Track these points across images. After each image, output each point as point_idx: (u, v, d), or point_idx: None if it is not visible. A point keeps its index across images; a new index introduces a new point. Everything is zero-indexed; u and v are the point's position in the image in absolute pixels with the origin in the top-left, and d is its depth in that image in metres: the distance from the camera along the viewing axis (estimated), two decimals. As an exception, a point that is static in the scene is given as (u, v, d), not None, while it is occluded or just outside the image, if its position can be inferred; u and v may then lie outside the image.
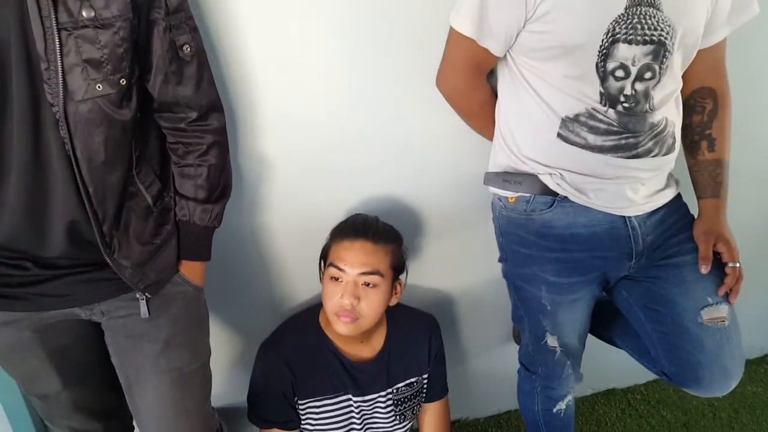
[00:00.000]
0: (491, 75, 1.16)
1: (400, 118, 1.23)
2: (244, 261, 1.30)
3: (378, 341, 1.29)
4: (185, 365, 1.00)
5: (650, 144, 1.04)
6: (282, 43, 1.10)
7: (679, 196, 1.16)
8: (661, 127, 1.04)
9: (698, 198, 1.16)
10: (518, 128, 1.10)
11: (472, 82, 1.13)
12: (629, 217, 1.09)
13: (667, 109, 1.05)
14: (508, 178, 1.14)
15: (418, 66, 1.16)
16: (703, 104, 1.13)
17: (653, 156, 1.05)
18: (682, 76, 1.09)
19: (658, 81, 1.00)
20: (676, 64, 1.02)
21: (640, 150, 1.03)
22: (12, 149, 0.80)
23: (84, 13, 0.75)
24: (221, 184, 1.01)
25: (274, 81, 1.13)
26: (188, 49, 0.88)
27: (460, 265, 1.47)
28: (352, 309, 1.14)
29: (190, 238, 1.00)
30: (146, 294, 0.95)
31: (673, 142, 1.07)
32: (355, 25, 1.12)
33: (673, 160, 1.10)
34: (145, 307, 0.95)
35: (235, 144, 1.16)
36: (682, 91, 1.12)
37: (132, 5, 0.79)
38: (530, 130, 1.08)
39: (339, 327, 1.16)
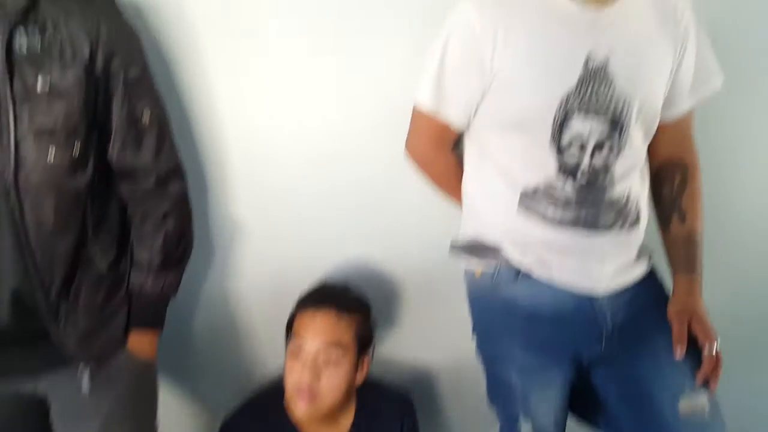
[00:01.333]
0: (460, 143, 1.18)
1: (375, 183, 1.24)
2: (211, 328, 1.29)
3: (345, 423, 1.22)
4: None
5: (612, 218, 1.01)
6: (254, 106, 1.14)
7: (653, 272, 1.12)
8: (623, 201, 1.02)
9: (672, 274, 1.11)
10: (481, 199, 1.10)
11: (438, 151, 1.14)
12: (596, 296, 1.05)
13: (630, 182, 1.03)
14: (473, 249, 1.12)
15: (391, 130, 1.18)
16: (672, 176, 1.11)
17: (617, 231, 1.02)
18: (650, 149, 1.09)
19: (618, 154, 0.99)
20: (637, 137, 1.01)
21: (600, 224, 1.01)
22: None
23: (39, 84, 0.79)
24: (179, 251, 1.02)
25: (246, 143, 1.16)
26: (147, 117, 0.91)
27: (438, 338, 1.42)
28: (311, 387, 1.09)
29: (141, 306, 0.99)
30: (89, 367, 0.92)
31: (638, 216, 1.04)
32: (329, 87, 1.15)
33: (640, 235, 1.06)
34: (87, 381, 0.92)
35: (206, 207, 1.18)
36: (650, 164, 1.11)
37: (89, 76, 0.83)
38: (492, 200, 1.07)
39: (296, 407, 1.10)
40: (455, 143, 1.16)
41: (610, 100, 0.96)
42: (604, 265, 1.04)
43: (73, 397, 0.93)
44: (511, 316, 1.08)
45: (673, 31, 1.00)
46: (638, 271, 1.08)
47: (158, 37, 1.04)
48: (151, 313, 1.01)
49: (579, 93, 0.95)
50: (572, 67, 0.95)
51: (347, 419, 1.22)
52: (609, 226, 1.01)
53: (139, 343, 0.99)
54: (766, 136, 1.34)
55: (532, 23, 0.95)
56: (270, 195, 1.20)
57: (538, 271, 1.04)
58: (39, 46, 0.79)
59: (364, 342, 1.17)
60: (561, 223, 1.01)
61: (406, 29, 1.13)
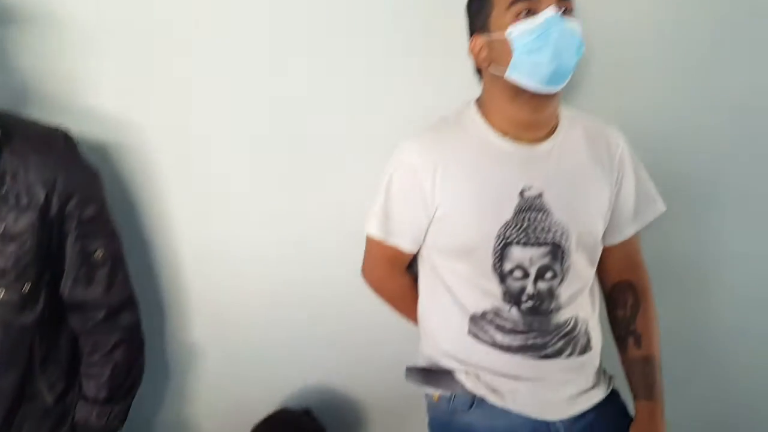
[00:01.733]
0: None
1: (334, 307, 1.25)
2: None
3: None
4: None
5: (560, 344, 1.02)
6: (212, 231, 1.18)
7: (613, 396, 1.10)
8: (570, 326, 1.03)
9: (633, 399, 1.09)
10: (435, 322, 1.11)
11: (392, 274, 1.16)
12: (552, 421, 1.03)
13: (578, 306, 1.04)
14: (428, 375, 1.11)
15: (348, 254, 1.20)
16: (625, 299, 1.13)
17: (566, 357, 1.02)
18: (601, 271, 1.12)
19: (562, 280, 1.02)
20: (580, 262, 1.04)
21: (549, 350, 1.01)
22: None
23: None
24: (127, 383, 1.02)
25: (203, 269, 1.19)
26: (100, 254, 0.95)
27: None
28: None
29: None
30: None
31: (588, 341, 1.05)
32: (287, 212, 1.20)
33: (593, 360, 1.06)
34: None
35: (162, 333, 1.19)
36: (603, 286, 1.14)
37: (43, 220, 0.88)
38: (445, 325, 1.08)
39: None
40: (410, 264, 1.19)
41: (548, 231, 1.00)
42: (557, 392, 1.03)
43: None
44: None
45: (607, 164, 1.06)
46: (596, 397, 1.06)
47: (118, 170, 1.11)
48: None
49: (516, 224, 0.99)
50: (507, 200, 0.99)
51: None
52: (558, 353, 1.01)
53: None
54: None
55: (469, 161, 1.01)
56: (228, 320, 1.22)
57: (492, 398, 1.03)
58: None
59: None
60: (509, 349, 1.01)
61: (362, 167, 1.19)
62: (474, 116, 1.05)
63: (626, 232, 1.10)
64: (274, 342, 1.25)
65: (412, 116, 1.14)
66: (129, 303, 1.02)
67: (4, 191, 0.85)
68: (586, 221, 1.03)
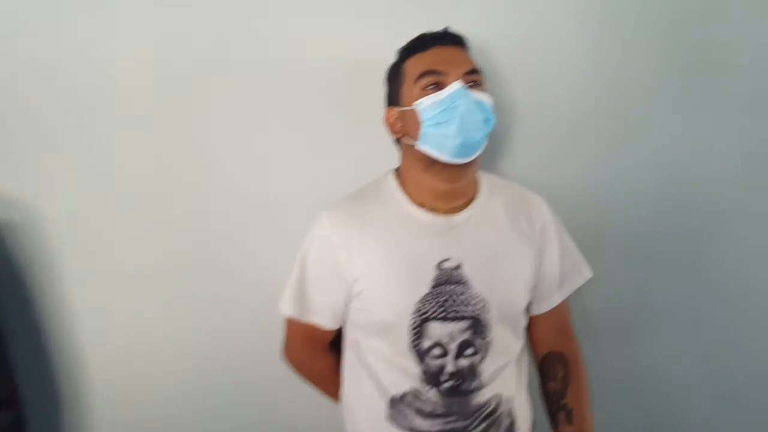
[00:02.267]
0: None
1: (245, 404, 1.17)
2: None
3: None
4: None
5: (482, 426, 0.96)
6: (116, 325, 1.10)
7: None
8: (492, 406, 0.97)
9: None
10: (355, 405, 1.04)
11: (313, 353, 1.10)
12: None
13: (501, 384, 0.99)
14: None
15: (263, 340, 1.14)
16: (555, 371, 1.08)
17: (490, 441, 0.96)
18: (531, 342, 1.09)
19: (484, 356, 0.97)
20: (504, 336, 0.99)
21: (471, 432, 0.95)
22: None
23: None
24: None
25: (104, 366, 1.10)
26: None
27: None
28: None
29: None
30: None
31: (512, 423, 0.99)
32: (195, 310, 1.13)
33: None
34: None
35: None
36: (534, 357, 1.10)
37: None
38: (364, 408, 1.01)
39: None
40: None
41: (467, 304, 0.96)
42: None
43: None
44: None
45: (528, 233, 1.03)
46: None
47: (18, 259, 1.03)
48: None
49: (434, 298, 0.95)
50: (425, 273, 0.95)
51: None
52: (480, 437, 0.95)
53: None
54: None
55: (386, 234, 0.97)
56: (130, 418, 1.11)
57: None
58: None
59: None
60: (427, 434, 0.94)
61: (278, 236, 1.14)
62: (392, 186, 1.02)
63: (552, 300, 1.08)
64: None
65: (333, 182, 1.12)
66: (4, 403, 0.91)
67: None
68: (506, 292, 0.99)
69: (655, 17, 1.24)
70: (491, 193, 1.05)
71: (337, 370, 1.11)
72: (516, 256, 1.01)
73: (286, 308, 1.02)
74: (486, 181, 1.07)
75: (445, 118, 0.92)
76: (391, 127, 1.01)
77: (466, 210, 1.01)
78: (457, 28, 1.12)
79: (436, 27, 1.10)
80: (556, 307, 1.08)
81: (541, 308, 1.08)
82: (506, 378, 1.01)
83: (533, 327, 1.10)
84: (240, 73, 1.11)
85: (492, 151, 1.23)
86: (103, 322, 1.09)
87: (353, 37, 1.13)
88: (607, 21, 1.23)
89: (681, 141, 1.29)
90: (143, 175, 1.08)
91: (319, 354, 1.10)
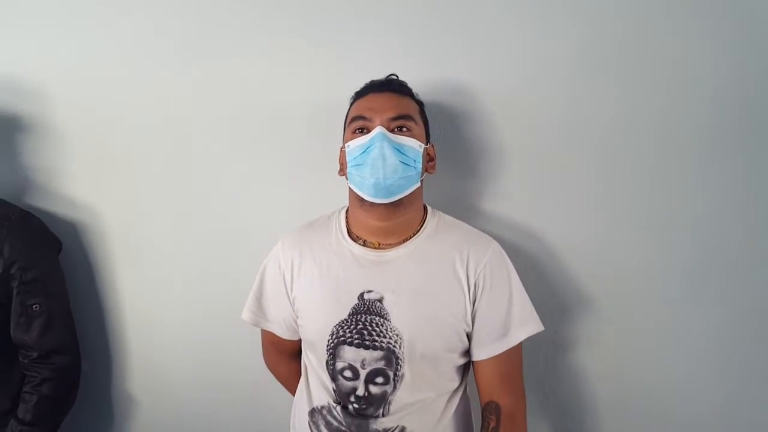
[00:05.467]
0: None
1: (258, 373, 1.35)
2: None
3: None
4: None
5: (380, 455, 1.01)
6: (149, 298, 1.41)
7: None
8: (391, 434, 1.02)
9: None
10: (296, 404, 1.16)
11: (280, 358, 1.24)
12: None
13: (410, 418, 1.02)
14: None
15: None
16: (488, 421, 1.06)
17: (384, 470, 1.01)
18: (477, 388, 1.09)
19: (396, 387, 1.02)
20: (421, 373, 1.02)
21: (366, 460, 1.01)
22: None
23: None
24: (50, 414, 1.26)
25: (141, 329, 1.42)
26: (37, 308, 1.23)
27: None
28: None
29: None
30: None
31: None
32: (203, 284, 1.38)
33: None
34: None
35: (108, 384, 1.43)
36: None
37: None
38: (298, 412, 1.14)
39: None
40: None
41: (383, 335, 1.02)
42: None
43: None
44: None
45: (463, 277, 1.04)
46: None
47: (82, 243, 1.42)
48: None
49: (351, 325, 1.03)
50: (347, 301, 1.04)
51: None
52: (376, 465, 1.01)
53: None
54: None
55: (321, 259, 1.09)
56: (161, 377, 1.42)
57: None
58: None
59: None
60: (330, 449, 1.04)
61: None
62: (340, 219, 1.13)
63: (491, 348, 1.05)
64: (199, 401, 1.41)
65: (292, 212, 1.27)
66: (60, 349, 1.27)
67: None
68: (425, 331, 1.02)
69: (645, 57, 1.14)
70: (433, 234, 1.08)
71: (299, 376, 1.25)
72: (443, 297, 1.03)
73: (245, 315, 1.19)
74: (434, 221, 1.10)
75: (361, 160, 1.00)
76: (340, 164, 1.12)
77: (398, 247, 1.06)
78: (445, 70, 1.20)
79: (418, 70, 1.19)
80: (500, 356, 1.05)
81: (480, 355, 1.06)
82: (420, 413, 1.03)
83: (476, 372, 1.09)
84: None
85: (479, 191, 1.26)
86: (142, 295, 1.42)
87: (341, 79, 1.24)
88: (600, 63, 1.16)
89: (679, 191, 1.17)
90: (176, 190, 1.38)
91: (284, 359, 1.24)
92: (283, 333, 1.17)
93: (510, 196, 1.25)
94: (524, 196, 1.24)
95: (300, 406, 1.14)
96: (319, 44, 1.26)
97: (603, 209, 1.21)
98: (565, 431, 1.30)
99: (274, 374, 1.29)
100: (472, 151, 1.25)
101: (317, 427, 1.07)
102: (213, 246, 1.37)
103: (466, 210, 1.27)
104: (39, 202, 1.41)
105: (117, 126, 1.37)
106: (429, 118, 1.14)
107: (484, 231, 1.14)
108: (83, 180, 1.41)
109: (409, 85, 1.12)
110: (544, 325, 1.09)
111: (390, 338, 1.02)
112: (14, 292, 1.22)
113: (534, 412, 1.29)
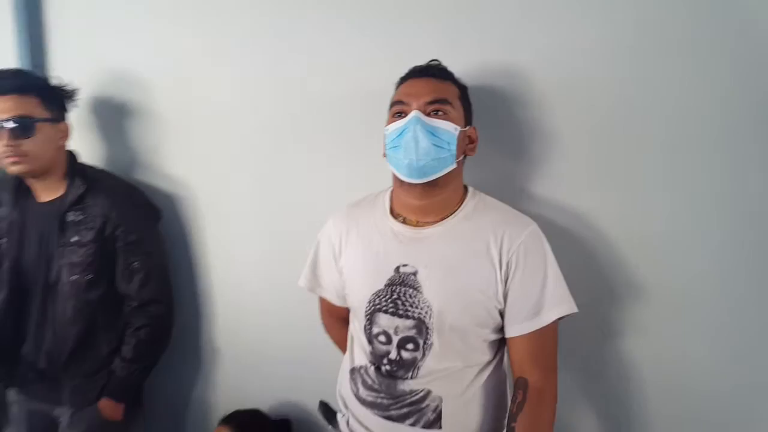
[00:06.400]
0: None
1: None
2: (194, 421, 1.70)
3: None
4: None
5: (405, 411, 1.09)
6: (235, 255, 1.60)
7: None
8: (418, 397, 1.09)
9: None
10: (343, 365, 1.28)
11: (332, 322, 1.38)
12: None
13: (437, 383, 1.09)
14: (326, 411, 1.29)
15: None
16: (516, 395, 1.11)
17: (410, 425, 1.09)
18: (510, 363, 1.13)
19: (425, 355, 1.10)
20: (449, 343, 1.09)
21: (393, 413, 1.10)
22: (32, 306, 1.48)
23: (72, 239, 1.43)
24: (147, 354, 1.50)
25: (227, 288, 1.62)
26: (137, 265, 1.47)
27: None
28: None
29: (112, 383, 1.49)
30: (72, 410, 1.45)
31: (437, 419, 1.08)
32: (284, 250, 1.54)
33: None
34: (68, 417, 1.46)
35: (197, 335, 1.66)
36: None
37: (100, 237, 1.43)
38: (342, 370, 1.26)
39: None
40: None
41: (415, 306, 1.10)
42: None
43: (64, 423, 1.49)
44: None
45: (495, 257, 1.08)
46: None
47: (179, 211, 1.64)
48: (117, 390, 1.49)
49: (386, 295, 1.12)
50: (384, 272, 1.13)
51: None
52: (402, 418, 1.10)
53: (105, 407, 1.48)
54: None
55: (365, 234, 1.19)
56: (242, 331, 1.61)
57: (354, 443, 1.17)
58: (78, 219, 1.43)
59: None
60: (364, 402, 1.15)
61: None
62: (385, 198, 1.22)
63: (522, 327, 1.09)
64: (268, 355, 1.59)
65: (345, 191, 1.38)
66: (156, 300, 1.50)
67: (83, 216, 1.43)
68: (454, 305, 1.08)
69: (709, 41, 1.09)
70: (471, 214, 1.13)
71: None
72: (474, 274, 1.08)
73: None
74: (474, 202, 1.15)
75: (397, 143, 1.08)
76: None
77: (435, 225, 1.13)
78: (495, 54, 1.24)
79: (468, 54, 1.24)
80: (532, 335, 1.08)
81: (512, 332, 1.10)
82: (447, 380, 1.10)
83: (509, 348, 1.13)
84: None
85: (530, 173, 1.27)
86: (225, 260, 1.63)
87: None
88: (656, 44, 1.12)
89: (738, 182, 1.11)
90: (252, 169, 1.56)
91: (336, 323, 1.36)
92: (335, 300, 1.29)
93: (560, 178, 1.25)
94: (575, 179, 1.24)
95: (345, 365, 1.25)
96: (369, 34, 1.36)
97: (657, 194, 1.18)
98: (608, 415, 1.29)
99: (329, 336, 1.42)
100: (523, 133, 1.27)
101: (355, 384, 1.18)
102: (282, 220, 1.53)
103: (516, 192, 1.29)
104: (143, 176, 1.67)
105: (204, 114, 1.57)
106: (480, 102, 1.19)
107: (533, 213, 1.17)
108: (179, 159, 1.63)
109: (460, 69, 1.16)
110: (591, 309, 1.12)
111: (421, 309, 1.09)
112: (119, 251, 1.47)
113: (577, 393, 1.30)
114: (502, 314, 1.10)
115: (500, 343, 1.16)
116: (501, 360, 1.17)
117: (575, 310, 1.09)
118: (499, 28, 1.25)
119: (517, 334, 1.09)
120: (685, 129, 1.14)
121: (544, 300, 1.08)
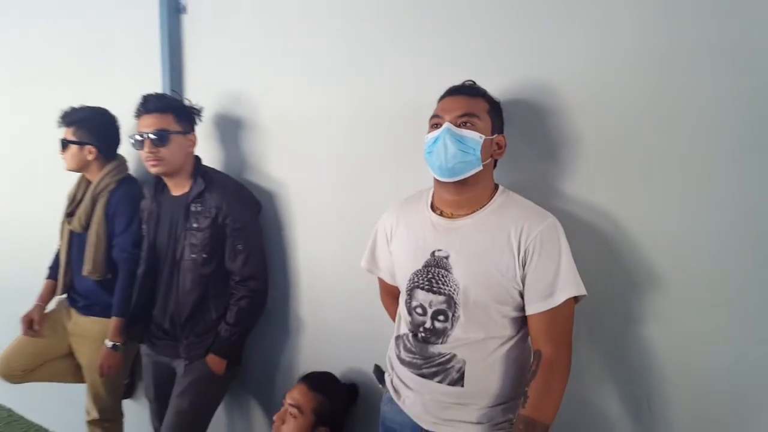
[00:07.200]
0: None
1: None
2: (284, 381, 2.04)
3: None
4: (185, 403, 1.85)
5: (434, 369, 1.32)
6: (316, 243, 1.92)
7: None
8: (445, 359, 1.31)
9: (507, 448, 1.26)
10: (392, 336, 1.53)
11: (387, 298, 1.63)
12: (426, 429, 1.33)
13: (463, 349, 1.30)
14: (378, 373, 1.55)
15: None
16: (532, 364, 1.29)
17: (438, 382, 1.31)
18: (531, 337, 1.33)
19: (453, 324, 1.31)
20: (473, 317, 1.29)
21: (424, 371, 1.33)
22: (161, 279, 1.91)
23: (193, 225, 1.83)
24: (246, 321, 1.87)
25: (309, 266, 1.95)
26: (240, 247, 1.84)
27: None
28: None
29: (217, 342, 1.87)
30: (186, 362, 1.86)
31: (460, 377, 1.29)
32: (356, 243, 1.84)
33: (468, 398, 1.29)
34: (183, 368, 1.86)
35: (286, 309, 2.00)
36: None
37: (214, 224, 1.82)
38: (392, 339, 1.50)
39: None
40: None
41: (446, 284, 1.32)
42: (434, 409, 1.33)
43: (180, 373, 1.89)
44: (382, 426, 1.48)
45: (515, 245, 1.27)
46: (465, 429, 1.31)
47: (276, 205, 2.00)
48: (221, 348, 1.86)
49: (423, 274, 1.36)
50: (422, 255, 1.37)
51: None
52: (431, 376, 1.33)
53: (211, 362, 1.86)
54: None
55: (410, 224, 1.43)
56: (321, 305, 1.93)
57: (395, 398, 1.42)
58: (198, 210, 1.83)
59: (323, 418, 1.70)
60: (403, 362, 1.39)
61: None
62: (428, 195, 1.46)
63: (536, 307, 1.26)
64: (342, 326, 1.88)
65: (401, 188, 1.63)
66: (254, 276, 1.86)
67: (202, 208, 1.83)
68: (478, 284, 1.28)
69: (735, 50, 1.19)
70: (498, 209, 1.33)
71: None
72: (496, 260, 1.28)
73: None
74: (501, 199, 1.35)
75: (431, 149, 1.31)
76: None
77: (466, 218, 1.34)
78: (527, 70, 1.45)
79: (505, 74, 1.46)
80: (546, 313, 1.25)
81: (529, 310, 1.28)
82: (470, 347, 1.30)
83: (528, 325, 1.31)
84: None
85: (558, 174, 1.44)
86: (310, 247, 1.95)
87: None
88: (677, 58, 1.27)
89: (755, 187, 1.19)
90: (332, 170, 1.87)
91: (390, 300, 1.61)
92: (388, 279, 1.54)
93: (585, 178, 1.40)
94: (598, 179, 1.39)
95: (393, 334, 1.50)
96: (420, 61, 1.63)
97: (675, 193, 1.30)
98: (632, 396, 1.40)
99: (387, 311, 1.67)
100: (553, 139, 1.44)
101: (398, 348, 1.43)
102: (356, 213, 1.82)
103: (547, 190, 1.46)
104: (249, 176, 2.05)
105: (297, 125, 1.92)
106: (516, 112, 1.42)
107: (561, 209, 1.37)
108: (277, 163, 2.00)
109: (497, 85, 1.40)
110: (614, 297, 1.31)
111: (450, 287, 1.31)
112: (227, 236, 1.84)
113: (602, 374, 1.44)
114: (522, 295, 1.29)
115: (523, 321, 1.34)
116: (525, 336, 1.35)
117: (584, 292, 1.25)
118: (532, 50, 1.44)
119: (534, 312, 1.27)
120: (702, 133, 1.25)
121: (557, 283, 1.25)
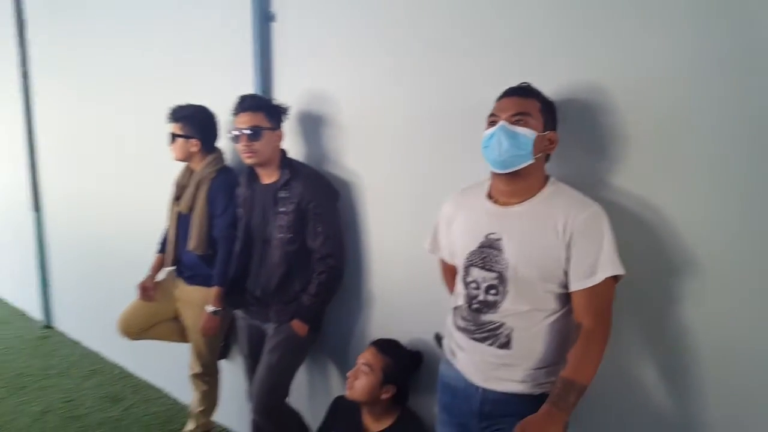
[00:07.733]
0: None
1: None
2: (356, 350, 2.32)
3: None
4: (274, 359, 2.17)
5: (485, 334, 1.53)
6: (383, 235, 2.17)
7: (536, 400, 1.46)
8: (495, 326, 1.51)
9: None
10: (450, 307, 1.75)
11: (446, 274, 1.84)
12: (477, 385, 1.55)
13: (512, 318, 1.49)
14: (438, 339, 1.78)
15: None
16: (574, 335, 1.47)
17: (488, 345, 1.52)
18: (574, 311, 1.51)
19: (503, 298, 1.51)
20: (521, 291, 1.48)
21: (476, 336, 1.54)
22: (254, 254, 2.23)
23: (281, 209, 2.12)
24: (325, 293, 2.16)
25: (380, 256, 2.20)
26: (320, 229, 2.11)
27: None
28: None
29: (299, 310, 2.16)
30: (275, 325, 2.17)
31: (508, 342, 1.49)
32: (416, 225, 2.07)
33: (515, 359, 1.49)
34: (272, 330, 2.18)
35: (359, 284, 2.27)
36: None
37: (298, 209, 2.10)
38: (450, 311, 1.72)
39: None
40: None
41: (498, 263, 1.53)
42: (485, 368, 1.55)
43: (268, 335, 2.22)
44: (440, 383, 1.70)
45: (560, 230, 1.45)
46: (516, 388, 1.51)
47: (352, 194, 2.26)
48: (304, 315, 2.15)
49: (478, 254, 1.57)
50: (477, 238, 1.57)
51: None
52: (483, 340, 1.54)
53: (295, 326, 2.16)
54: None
55: (468, 211, 1.64)
56: (388, 281, 2.18)
57: (451, 359, 1.65)
58: (285, 196, 2.12)
59: (390, 377, 1.95)
60: (459, 328, 1.61)
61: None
62: (486, 184, 1.65)
63: (579, 284, 1.44)
64: (409, 300, 2.13)
65: (460, 179, 1.82)
66: (332, 255, 2.13)
67: (288, 194, 2.12)
68: (526, 264, 1.48)
69: None
70: (547, 199, 1.51)
71: None
72: (542, 242, 1.46)
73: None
74: (551, 189, 1.52)
75: (487, 143, 1.51)
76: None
77: (517, 206, 1.53)
78: (582, 75, 1.62)
79: (561, 77, 1.63)
80: (588, 290, 1.43)
81: (573, 287, 1.46)
82: (518, 317, 1.49)
83: (572, 300, 1.50)
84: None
85: (608, 167, 1.60)
86: (380, 229, 2.21)
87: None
88: (716, 61, 1.40)
89: None
90: (405, 165, 2.10)
91: (449, 277, 1.82)
92: (447, 258, 1.76)
93: (631, 171, 1.55)
94: (643, 172, 1.53)
95: (450, 305, 1.72)
96: (481, 65, 1.82)
97: (714, 186, 1.43)
98: (669, 368, 1.55)
99: (446, 287, 1.89)
100: (602, 136, 1.60)
101: (455, 318, 1.65)
102: (422, 201, 2.05)
103: (596, 182, 1.61)
104: (330, 168, 2.32)
105: (373, 124, 2.17)
106: (570, 111, 1.59)
107: (609, 200, 1.54)
108: (354, 156, 2.26)
109: (554, 87, 1.58)
110: (654, 279, 1.49)
111: (502, 265, 1.51)
112: (309, 219, 2.13)
113: (642, 348, 1.59)
114: (566, 274, 1.47)
115: (568, 298, 1.51)
116: (570, 311, 1.52)
117: (623, 272, 1.42)
118: (585, 55, 1.60)
119: (576, 289, 1.45)
120: (736, 132, 1.38)
121: (598, 264, 1.42)
